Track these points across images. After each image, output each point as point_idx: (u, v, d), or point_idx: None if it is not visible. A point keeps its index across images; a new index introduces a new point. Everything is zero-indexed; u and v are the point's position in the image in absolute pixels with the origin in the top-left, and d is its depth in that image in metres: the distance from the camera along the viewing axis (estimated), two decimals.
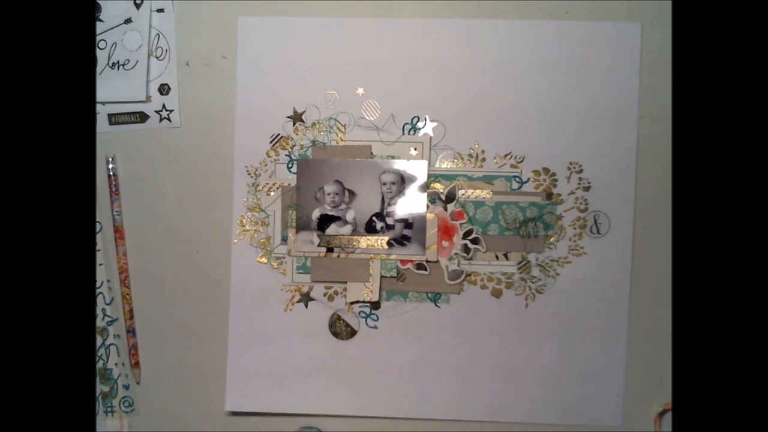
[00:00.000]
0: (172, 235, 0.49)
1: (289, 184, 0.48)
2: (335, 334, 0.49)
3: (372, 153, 0.48)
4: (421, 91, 0.48)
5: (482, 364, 0.48)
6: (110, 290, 0.50)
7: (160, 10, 0.49)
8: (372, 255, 0.48)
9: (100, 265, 0.49)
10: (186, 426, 0.49)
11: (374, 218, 0.48)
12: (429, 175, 0.48)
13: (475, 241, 0.48)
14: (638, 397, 0.48)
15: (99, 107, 0.49)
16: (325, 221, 0.48)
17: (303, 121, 0.49)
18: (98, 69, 0.48)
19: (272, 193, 0.49)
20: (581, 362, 0.48)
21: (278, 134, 0.49)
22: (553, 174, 0.48)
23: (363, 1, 0.48)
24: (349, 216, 0.48)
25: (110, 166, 0.49)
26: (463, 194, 0.48)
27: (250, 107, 0.49)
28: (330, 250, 0.48)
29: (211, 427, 0.49)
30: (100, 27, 0.49)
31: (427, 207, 0.48)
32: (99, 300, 0.50)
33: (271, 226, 0.49)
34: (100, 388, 0.50)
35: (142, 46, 0.49)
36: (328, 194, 0.48)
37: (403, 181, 0.47)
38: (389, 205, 0.48)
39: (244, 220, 0.49)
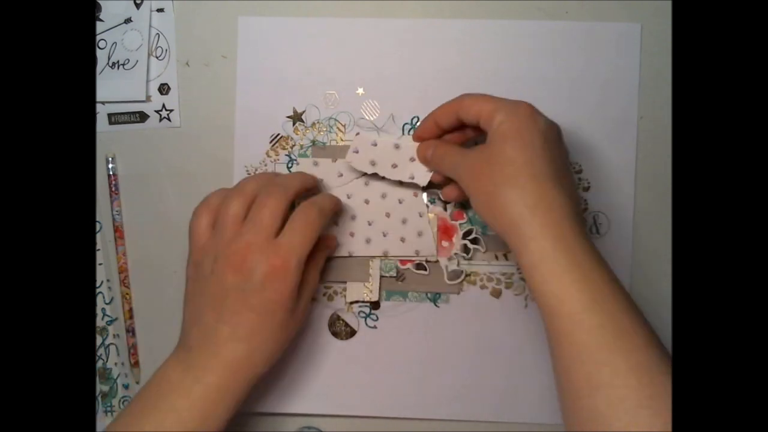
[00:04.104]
0: (172, 235, 0.48)
1: None
2: (335, 334, 0.49)
3: None
4: (421, 91, 0.48)
5: (482, 364, 0.48)
6: (110, 290, 0.50)
7: (160, 10, 0.49)
8: (371, 255, 0.48)
9: (100, 264, 0.49)
10: None
11: None
12: None
13: (474, 241, 0.48)
14: None
15: (99, 107, 0.49)
16: None
17: (303, 121, 0.49)
18: (98, 69, 0.48)
19: None
20: None
21: (278, 134, 0.49)
22: None
23: (363, 1, 0.48)
24: None
25: (110, 165, 0.49)
26: None
27: (249, 107, 0.49)
28: None
29: None
30: (100, 27, 0.49)
31: (427, 207, 0.48)
32: (99, 300, 0.50)
33: None
34: (100, 387, 0.50)
35: (142, 45, 0.49)
36: None
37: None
38: None
39: None
